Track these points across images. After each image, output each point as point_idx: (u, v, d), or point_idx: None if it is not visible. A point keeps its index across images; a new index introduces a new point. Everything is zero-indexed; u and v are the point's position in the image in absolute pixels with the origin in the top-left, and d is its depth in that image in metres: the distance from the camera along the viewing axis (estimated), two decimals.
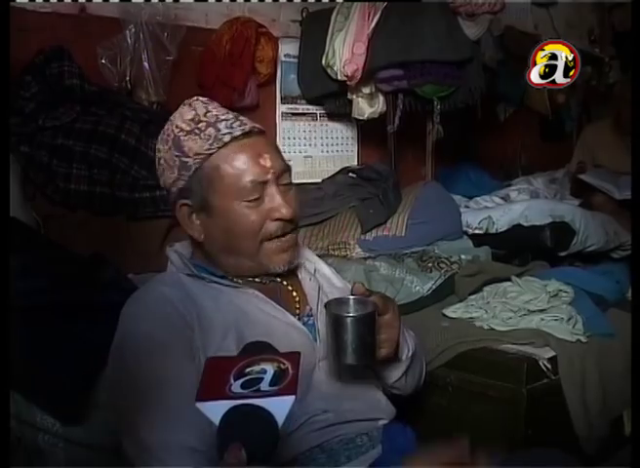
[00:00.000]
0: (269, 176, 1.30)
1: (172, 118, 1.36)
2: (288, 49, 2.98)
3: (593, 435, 1.93)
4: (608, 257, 2.96)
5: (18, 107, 2.14)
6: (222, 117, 1.32)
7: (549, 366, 1.90)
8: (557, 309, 2.06)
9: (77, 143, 2.19)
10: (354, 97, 2.86)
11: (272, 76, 2.93)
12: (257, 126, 1.35)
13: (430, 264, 2.40)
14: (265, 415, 0.86)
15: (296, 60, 2.99)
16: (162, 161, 1.35)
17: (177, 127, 1.32)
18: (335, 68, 2.73)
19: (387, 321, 1.30)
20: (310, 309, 1.41)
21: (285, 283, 1.43)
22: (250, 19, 2.78)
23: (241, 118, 1.35)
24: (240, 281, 1.37)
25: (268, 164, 1.30)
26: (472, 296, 2.24)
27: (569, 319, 2.02)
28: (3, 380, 0.97)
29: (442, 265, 2.39)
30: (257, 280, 1.39)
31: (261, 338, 1.21)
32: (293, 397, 0.86)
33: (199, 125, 1.30)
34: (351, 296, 1.29)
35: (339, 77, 2.75)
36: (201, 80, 2.71)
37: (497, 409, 1.89)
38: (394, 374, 1.43)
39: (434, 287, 2.31)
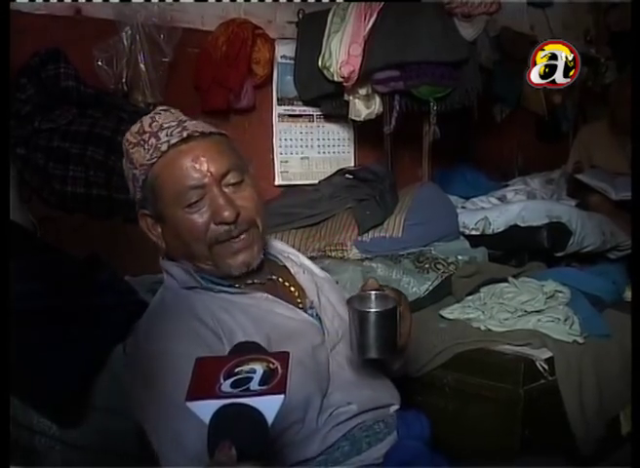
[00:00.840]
0: (207, 180, 1.28)
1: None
2: (284, 50, 2.98)
3: (590, 435, 1.93)
4: (604, 258, 2.96)
5: (14, 110, 2.14)
6: (165, 125, 1.31)
7: (546, 366, 1.90)
8: (554, 310, 2.06)
9: (73, 146, 2.19)
10: (351, 98, 2.87)
11: (268, 77, 2.94)
12: (199, 129, 1.32)
13: (427, 265, 2.40)
14: (255, 414, 0.86)
15: (292, 62, 2.99)
16: (124, 173, 1.38)
17: (127, 140, 1.35)
18: (331, 70, 2.74)
19: (401, 313, 1.31)
20: (312, 302, 1.41)
21: (281, 280, 1.43)
22: (246, 20, 2.78)
23: (186, 124, 1.32)
24: (243, 286, 1.36)
25: (204, 167, 1.28)
26: (469, 297, 2.25)
27: (565, 320, 2.03)
28: (3, 382, 0.97)
29: (439, 266, 2.39)
30: (256, 281, 1.38)
31: (284, 341, 1.22)
32: (282, 396, 0.87)
33: (143, 136, 1.31)
34: (373, 292, 1.31)
35: (335, 78, 2.75)
36: (197, 82, 2.71)
37: (494, 409, 1.89)
38: (399, 362, 1.46)
39: (431, 288, 2.31)
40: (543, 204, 3.00)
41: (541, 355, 1.93)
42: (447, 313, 2.18)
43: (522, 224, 2.80)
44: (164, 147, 1.28)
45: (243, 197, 1.32)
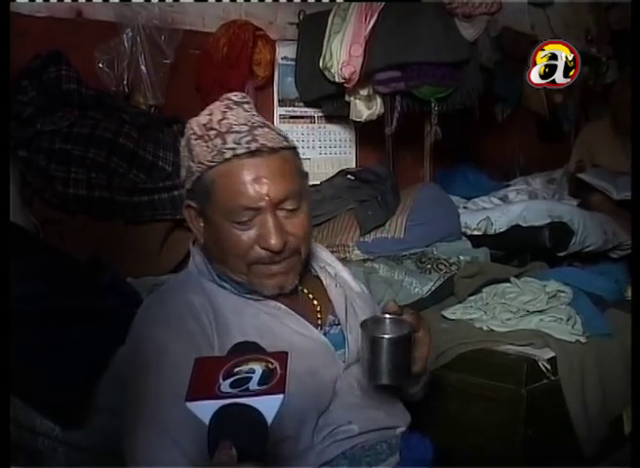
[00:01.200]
0: (263, 204, 1.23)
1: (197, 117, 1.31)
2: (285, 51, 2.98)
3: (593, 435, 1.93)
4: (606, 257, 2.96)
5: (15, 112, 2.14)
6: (235, 128, 1.24)
7: (549, 366, 1.90)
8: (556, 310, 2.06)
9: (75, 147, 2.19)
10: (352, 99, 2.87)
11: (270, 79, 2.94)
12: (268, 144, 1.24)
13: (429, 266, 2.40)
14: (255, 414, 0.87)
15: (293, 63, 3.00)
16: (181, 156, 1.33)
17: (191, 129, 1.28)
18: (332, 70, 2.74)
19: (419, 338, 1.28)
20: (335, 318, 1.38)
21: (306, 291, 1.39)
22: (247, 21, 2.78)
23: (257, 132, 1.25)
24: None
25: (264, 190, 1.22)
26: (471, 298, 2.25)
27: (568, 319, 2.03)
28: (3, 383, 0.98)
29: (441, 267, 2.39)
30: None
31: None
32: (281, 396, 0.87)
33: (209, 132, 1.25)
34: (387, 316, 1.27)
35: (336, 79, 2.75)
36: (198, 83, 2.71)
37: (496, 409, 1.89)
38: (416, 387, 1.43)
39: (433, 288, 2.31)
40: (545, 204, 3.01)
41: (544, 355, 1.93)
42: (449, 313, 2.18)
43: (524, 224, 2.80)
44: (228, 154, 1.22)
45: (294, 224, 1.28)
